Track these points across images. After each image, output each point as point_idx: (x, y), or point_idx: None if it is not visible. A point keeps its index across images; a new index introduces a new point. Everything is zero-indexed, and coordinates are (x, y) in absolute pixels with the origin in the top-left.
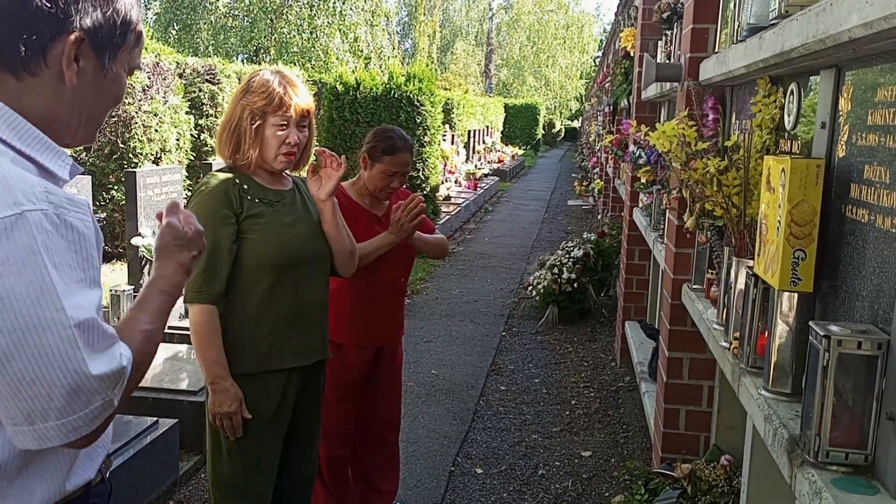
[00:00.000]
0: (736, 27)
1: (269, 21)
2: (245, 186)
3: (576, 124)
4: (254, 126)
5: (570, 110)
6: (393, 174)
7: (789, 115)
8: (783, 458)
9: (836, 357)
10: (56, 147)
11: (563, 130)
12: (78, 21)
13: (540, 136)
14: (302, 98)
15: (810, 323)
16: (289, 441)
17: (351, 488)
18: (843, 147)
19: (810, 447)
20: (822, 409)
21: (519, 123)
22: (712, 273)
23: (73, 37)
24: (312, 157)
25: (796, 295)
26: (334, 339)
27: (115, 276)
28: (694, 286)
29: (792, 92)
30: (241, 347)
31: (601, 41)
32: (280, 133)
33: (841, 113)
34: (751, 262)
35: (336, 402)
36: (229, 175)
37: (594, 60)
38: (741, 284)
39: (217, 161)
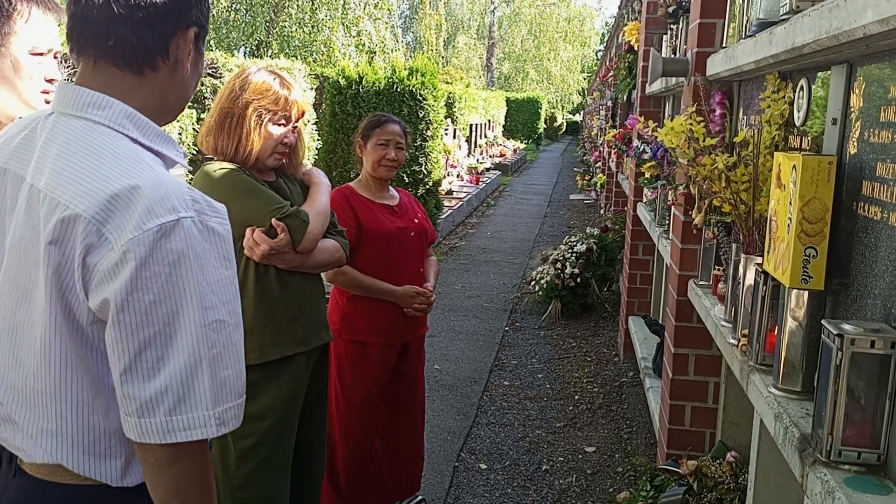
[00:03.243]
0: (744, 22)
1: (270, 15)
2: (245, 172)
3: (577, 118)
4: (260, 125)
5: (572, 104)
6: (386, 143)
7: (799, 111)
8: (794, 457)
9: (849, 356)
10: (168, 136)
11: (565, 124)
12: (193, 16)
13: (542, 130)
14: (299, 96)
15: (823, 321)
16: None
17: (367, 491)
18: (855, 144)
19: (822, 446)
20: (835, 407)
21: (521, 117)
22: (719, 269)
23: (192, 32)
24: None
25: (807, 293)
26: (360, 338)
27: None
28: (700, 282)
29: (802, 87)
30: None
31: (603, 35)
32: (278, 133)
33: (852, 109)
34: (759, 259)
35: (361, 402)
36: (233, 165)
37: (596, 54)
38: (750, 281)
39: None
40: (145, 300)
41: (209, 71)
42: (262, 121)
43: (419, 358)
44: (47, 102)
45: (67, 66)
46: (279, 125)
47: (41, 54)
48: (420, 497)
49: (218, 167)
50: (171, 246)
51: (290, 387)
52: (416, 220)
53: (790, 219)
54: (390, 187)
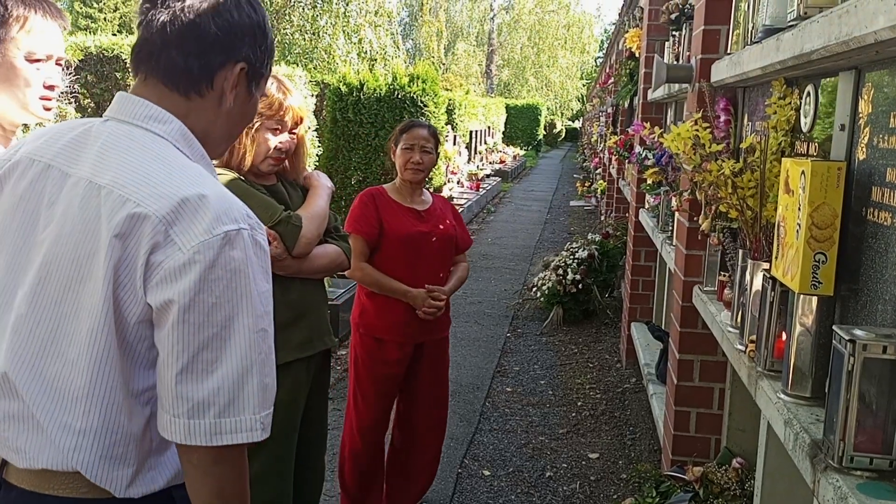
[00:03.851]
0: (750, 28)
1: (271, 22)
2: (242, 179)
3: (577, 125)
4: (252, 130)
5: (572, 111)
6: (411, 147)
7: (805, 117)
8: (805, 463)
9: (860, 361)
10: (210, 160)
11: (564, 131)
12: (243, 52)
13: (541, 137)
14: (296, 102)
15: (834, 327)
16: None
17: (374, 486)
18: (864, 150)
19: (834, 452)
20: (847, 413)
21: (520, 124)
22: (725, 275)
23: (238, 67)
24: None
25: (816, 298)
26: (375, 334)
27: None
28: (706, 288)
29: (808, 94)
30: None
31: (602, 42)
32: (272, 138)
33: (861, 115)
34: (767, 265)
35: (374, 397)
36: (229, 171)
37: (595, 61)
38: (757, 287)
39: None
40: (208, 302)
41: None
42: (254, 126)
43: (438, 362)
44: (47, 109)
45: (69, 74)
46: (272, 130)
47: (39, 60)
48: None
49: (222, 173)
50: (234, 254)
51: (288, 392)
52: (442, 227)
53: (799, 224)
54: (426, 192)
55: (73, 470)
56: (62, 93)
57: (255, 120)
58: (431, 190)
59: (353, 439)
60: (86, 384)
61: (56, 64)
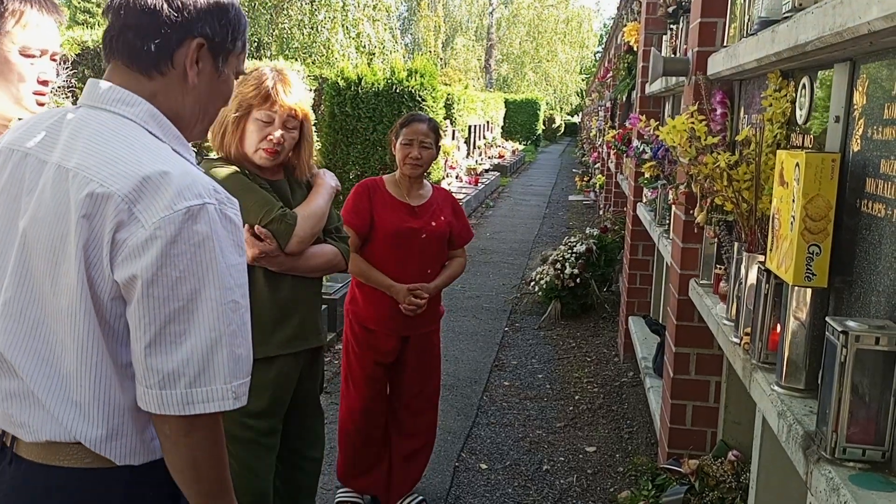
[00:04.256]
0: (746, 21)
1: (269, 16)
2: (247, 173)
3: (576, 120)
4: (236, 115)
5: (571, 105)
6: (410, 142)
7: (801, 109)
8: (798, 455)
9: (853, 353)
10: (185, 141)
11: (564, 126)
12: (199, 28)
13: (540, 132)
14: (292, 97)
15: (827, 319)
16: (291, 419)
17: (370, 471)
18: (858, 141)
19: (827, 443)
20: (840, 405)
21: (519, 119)
22: (720, 268)
23: (195, 42)
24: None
25: (810, 290)
26: (363, 323)
27: None
28: (702, 281)
29: (804, 86)
30: None
31: (601, 36)
32: (263, 129)
33: (855, 107)
34: (762, 258)
35: (363, 382)
36: (230, 165)
37: (594, 55)
38: (752, 279)
39: None
40: (172, 276)
41: None
42: (240, 113)
43: (424, 354)
44: (40, 104)
45: (66, 68)
46: (262, 123)
47: (33, 56)
48: (420, 497)
49: (214, 166)
50: (197, 228)
51: (273, 386)
52: (434, 224)
53: (793, 216)
54: (427, 184)
55: (76, 441)
56: (59, 87)
57: (242, 108)
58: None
59: (345, 422)
60: (75, 360)
61: (51, 59)
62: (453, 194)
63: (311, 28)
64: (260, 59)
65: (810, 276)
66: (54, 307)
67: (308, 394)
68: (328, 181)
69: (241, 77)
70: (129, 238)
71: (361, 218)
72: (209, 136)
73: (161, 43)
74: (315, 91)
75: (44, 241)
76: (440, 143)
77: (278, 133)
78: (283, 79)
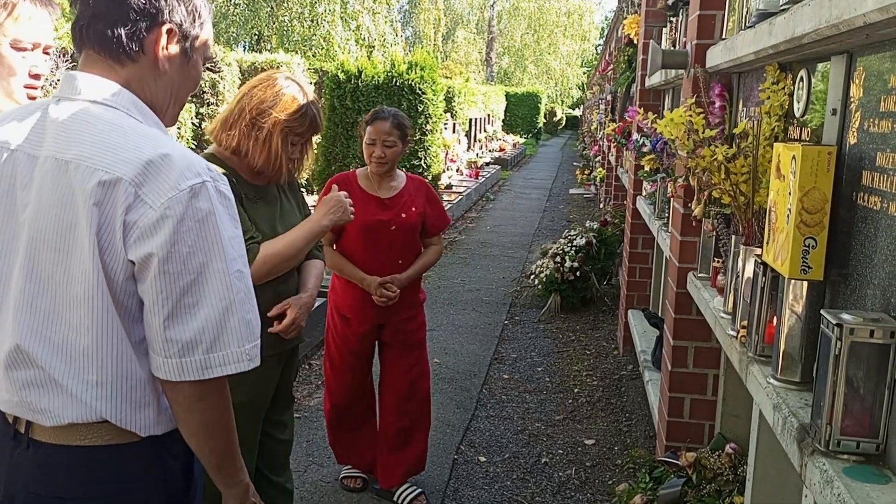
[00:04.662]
0: (744, 13)
1: (269, 9)
2: (234, 181)
3: (577, 113)
4: (288, 145)
5: (572, 99)
6: (373, 142)
7: (798, 102)
8: (793, 447)
9: (848, 345)
10: (163, 126)
11: (565, 119)
12: (168, 14)
13: (541, 125)
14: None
15: (822, 311)
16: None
17: (363, 446)
18: (855, 134)
19: (821, 436)
20: (834, 397)
21: (520, 112)
22: (718, 261)
23: (165, 28)
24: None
25: (806, 283)
26: (341, 311)
27: None
28: (700, 274)
29: (801, 78)
30: None
31: (603, 29)
32: (295, 146)
33: (852, 99)
34: (759, 251)
35: (340, 367)
36: (225, 172)
37: (596, 49)
38: (749, 273)
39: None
40: (183, 251)
41: (208, 65)
42: (288, 141)
43: (406, 338)
44: (31, 98)
45: (66, 61)
46: (295, 142)
47: (25, 49)
48: (419, 490)
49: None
50: (200, 205)
51: (256, 385)
52: (404, 215)
53: (790, 209)
54: (400, 174)
55: (101, 419)
56: (57, 81)
57: (287, 136)
58: (429, 178)
59: (326, 406)
60: (94, 342)
61: (44, 52)
62: (453, 188)
63: (312, 21)
64: (260, 52)
65: (806, 268)
66: (68, 295)
67: (285, 383)
68: (319, 219)
69: (270, 94)
70: (139, 220)
71: None
72: (229, 136)
73: (131, 30)
74: (315, 84)
75: (50, 232)
76: (409, 136)
77: (299, 148)
78: (316, 101)
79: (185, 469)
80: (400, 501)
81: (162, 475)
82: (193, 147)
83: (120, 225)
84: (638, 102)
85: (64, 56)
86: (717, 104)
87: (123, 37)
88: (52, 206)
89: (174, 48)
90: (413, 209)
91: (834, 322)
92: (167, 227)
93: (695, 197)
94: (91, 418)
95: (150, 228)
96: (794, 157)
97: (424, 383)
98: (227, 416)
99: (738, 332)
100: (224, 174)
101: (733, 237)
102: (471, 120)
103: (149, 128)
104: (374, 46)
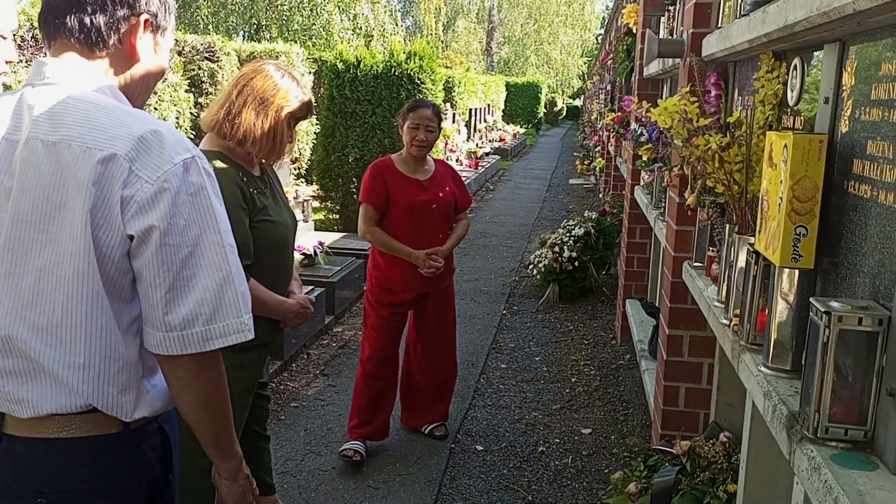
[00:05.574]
0: (739, 2)
1: None
2: (244, 179)
3: (577, 102)
4: (291, 133)
5: (572, 88)
6: (416, 127)
7: (792, 91)
8: (782, 435)
9: (836, 333)
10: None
11: (565, 109)
12: (145, 4)
13: (541, 115)
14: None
15: (811, 299)
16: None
17: (380, 410)
18: (846, 122)
19: (809, 423)
20: (822, 385)
21: (520, 102)
22: (713, 250)
23: (142, 18)
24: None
25: (797, 272)
26: (385, 285)
27: None
28: (695, 264)
29: (795, 67)
30: None
31: (603, 18)
32: (289, 131)
33: (844, 88)
34: (752, 240)
35: (378, 331)
36: (228, 165)
37: (596, 38)
38: (742, 262)
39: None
40: (180, 224)
41: (206, 55)
42: (291, 126)
43: (442, 306)
44: (5, 86)
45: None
46: (292, 129)
47: None
48: (440, 422)
49: (217, 163)
50: (192, 179)
51: (254, 373)
52: (442, 195)
53: (781, 198)
54: (429, 159)
55: (85, 405)
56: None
57: (290, 123)
58: None
59: (364, 367)
60: (82, 322)
61: (13, 39)
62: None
63: (311, 10)
64: (259, 41)
65: (797, 257)
66: (54, 276)
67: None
68: (286, 311)
69: (269, 84)
70: (135, 194)
71: (378, 195)
72: (215, 117)
73: (110, 19)
74: (314, 74)
75: (37, 213)
76: (441, 126)
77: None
78: (301, 82)
79: (164, 461)
80: (426, 432)
81: (140, 467)
82: (192, 137)
83: (117, 200)
84: (636, 91)
85: (37, 43)
86: (713, 93)
87: (102, 25)
88: (38, 187)
89: (148, 38)
90: (447, 188)
91: (822, 310)
92: (166, 200)
93: (689, 186)
94: (73, 407)
95: (149, 202)
96: (785, 146)
97: (454, 342)
98: (224, 389)
99: (730, 321)
100: (239, 174)
101: (727, 226)
102: (471, 110)
103: (128, 107)
104: (372, 36)
